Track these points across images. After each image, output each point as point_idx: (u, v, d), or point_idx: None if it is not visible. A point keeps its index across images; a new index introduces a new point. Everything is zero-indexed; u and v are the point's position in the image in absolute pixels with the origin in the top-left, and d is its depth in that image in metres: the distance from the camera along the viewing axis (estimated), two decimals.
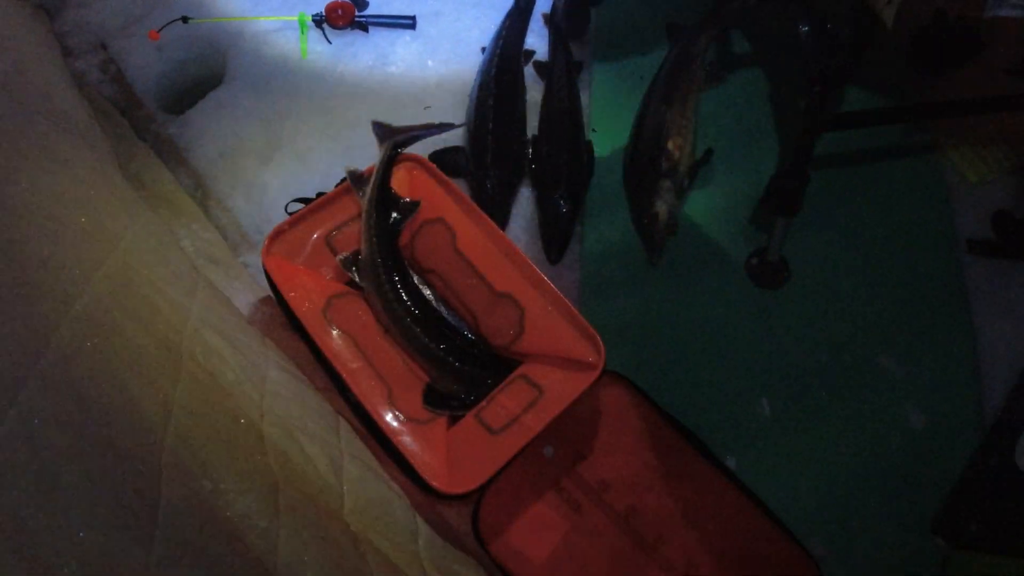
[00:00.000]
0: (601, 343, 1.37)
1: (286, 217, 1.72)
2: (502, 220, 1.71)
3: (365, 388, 1.41)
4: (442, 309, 1.48)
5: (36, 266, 1.15)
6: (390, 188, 1.55)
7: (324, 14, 1.96)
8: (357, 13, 1.98)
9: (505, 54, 1.86)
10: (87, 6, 2.15)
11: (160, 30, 2.02)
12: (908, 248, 1.69)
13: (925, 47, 1.79)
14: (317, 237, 1.57)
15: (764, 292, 1.66)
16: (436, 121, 1.71)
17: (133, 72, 2.06)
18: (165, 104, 2.06)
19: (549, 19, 2.01)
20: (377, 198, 1.52)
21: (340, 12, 1.96)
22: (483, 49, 1.95)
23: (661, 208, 1.63)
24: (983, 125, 1.80)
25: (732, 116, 1.88)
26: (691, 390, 1.56)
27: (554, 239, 1.68)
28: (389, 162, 1.56)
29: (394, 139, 1.59)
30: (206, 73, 2.10)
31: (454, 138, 1.81)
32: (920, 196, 1.76)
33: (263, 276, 1.57)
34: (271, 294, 1.58)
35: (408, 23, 2.00)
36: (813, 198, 1.56)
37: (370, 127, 1.67)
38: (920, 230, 1.71)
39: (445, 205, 1.56)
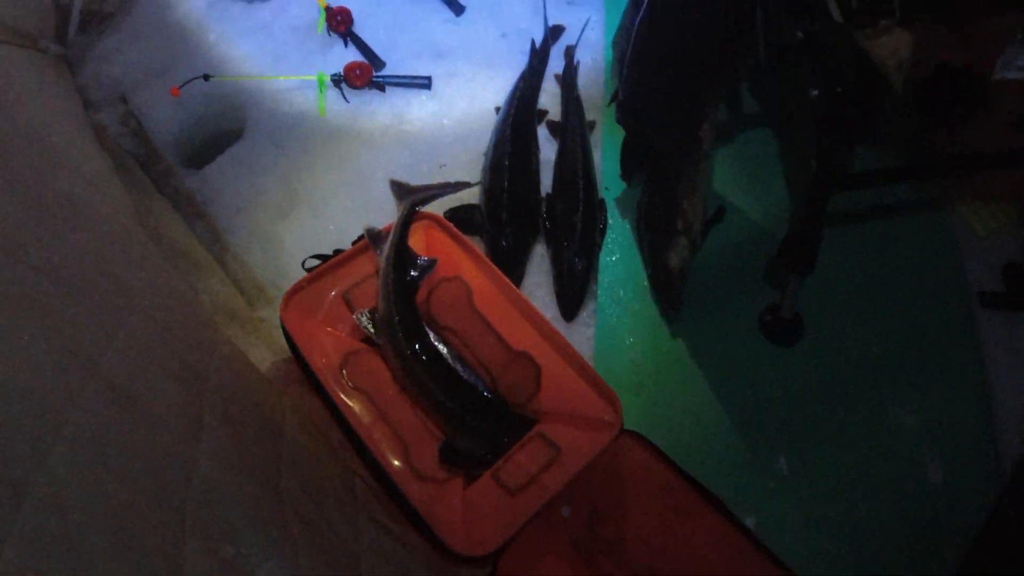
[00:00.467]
0: (619, 402, 1.37)
1: (303, 273, 1.74)
2: (517, 277, 1.73)
3: (381, 446, 1.41)
4: (459, 367, 1.49)
5: (64, 325, 1.17)
6: (407, 246, 1.57)
7: (343, 74, 2.02)
8: (375, 73, 2.03)
9: (519, 113, 1.90)
10: (108, 60, 2.21)
11: (181, 87, 2.07)
12: (921, 302, 1.71)
13: (932, 97, 1.83)
14: (335, 294, 1.59)
15: (779, 348, 1.67)
16: (452, 180, 1.74)
17: (153, 126, 2.10)
18: (184, 158, 2.10)
19: (561, 79, 2.06)
20: (395, 256, 1.54)
21: (358, 72, 2.01)
22: (497, 109, 2.00)
23: (676, 266, 1.65)
24: (991, 179, 1.83)
25: (745, 173, 1.92)
26: (708, 448, 1.55)
27: (569, 296, 1.70)
28: (407, 221, 1.59)
29: (412, 198, 1.62)
30: (225, 128, 2.15)
31: (469, 196, 1.83)
32: (931, 250, 1.79)
33: (280, 331, 1.58)
34: (288, 350, 1.59)
35: (424, 83, 2.05)
36: (825, 253, 1.58)
37: (387, 185, 1.70)
38: (932, 283, 1.73)
39: (462, 263, 1.59)
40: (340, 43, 2.17)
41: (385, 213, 1.77)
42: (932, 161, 1.84)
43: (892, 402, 1.59)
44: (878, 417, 1.57)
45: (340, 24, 2.14)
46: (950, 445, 1.53)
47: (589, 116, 2.01)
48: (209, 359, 1.49)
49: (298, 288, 1.56)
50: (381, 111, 2.04)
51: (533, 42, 2.10)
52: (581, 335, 1.69)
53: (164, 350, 1.41)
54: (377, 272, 1.58)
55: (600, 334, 1.70)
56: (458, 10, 2.24)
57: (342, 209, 1.88)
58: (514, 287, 1.53)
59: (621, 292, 1.75)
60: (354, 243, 1.70)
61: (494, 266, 1.56)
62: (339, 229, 1.82)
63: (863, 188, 1.70)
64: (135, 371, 1.19)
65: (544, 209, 1.82)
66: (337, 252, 1.70)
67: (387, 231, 1.59)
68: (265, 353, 1.68)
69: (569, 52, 2.10)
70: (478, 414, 1.44)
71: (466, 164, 1.92)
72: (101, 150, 1.94)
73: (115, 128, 2.10)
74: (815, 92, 1.59)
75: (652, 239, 1.72)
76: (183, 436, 1.10)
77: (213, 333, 1.61)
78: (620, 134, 1.84)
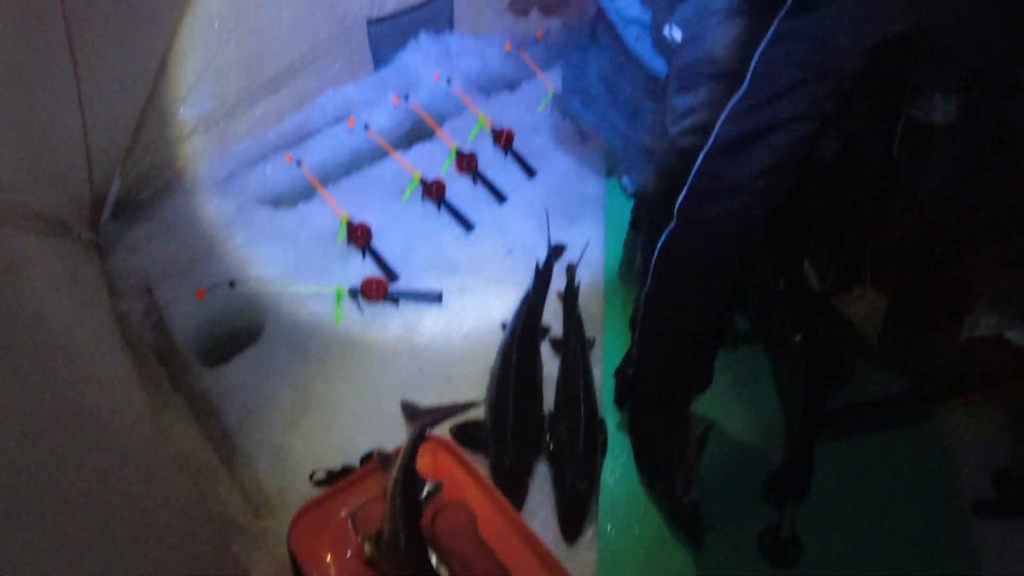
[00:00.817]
0: None
1: (309, 483, 1.79)
2: (520, 498, 1.77)
3: None
4: None
5: (85, 561, 1.20)
6: (416, 471, 1.63)
7: (359, 288, 2.16)
8: (389, 288, 2.18)
9: (524, 332, 2.02)
10: (138, 250, 2.34)
11: (208, 290, 2.19)
12: (916, 514, 1.74)
13: (903, 312, 1.94)
14: (342, 516, 1.63)
15: (780, 571, 1.69)
16: (460, 396, 1.83)
17: (175, 320, 2.19)
18: (202, 354, 2.17)
19: (563, 298, 2.21)
20: (403, 480, 1.59)
21: (374, 287, 2.16)
22: (504, 325, 2.13)
23: (687, 496, 1.70)
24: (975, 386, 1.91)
25: (738, 392, 2.01)
26: None
27: (570, 518, 1.74)
28: (416, 445, 1.65)
29: (421, 421, 1.70)
30: (244, 328, 2.24)
31: (474, 412, 1.91)
32: (922, 460, 1.84)
33: (283, 544, 1.61)
34: (291, 567, 1.61)
35: (435, 298, 2.20)
36: (818, 469, 1.63)
37: (396, 398, 1.79)
38: (926, 494, 1.77)
39: (467, 488, 1.65)
40: (358, 253, 2.34)
41: (392, 425, 1.84)
42: (915, 389, 1.93)
43: None
44: None
45: (360, 238, 2.32)
46: None
47: (589, 333, 2.13)
48: None
49: (306, 511, 1.60)
50: (393, 323, 2.16)
51: (537, 262, 2.27)
52: (583, 560, 1.71)
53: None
54: (384, 493, 1.63)
55: (602, 559, 1.72)
56: (468, 227, 2.43)
57: (352, 420, 1.94)
58: (517, 514, 1.58)
59: (622, 515, 1.79)
60: (362, 460, 1.77)
61: (498, 492, 1.62)
62: (348, 440, 1.87)
63: (850, 419, 1.79)
64: None
65: (547, 428, 1.90)
66: (345, 468, 1.76)
67: (396, 453, 1.66)
68: (268, 569, 1.69)
69: (571, 271, 2.27)
70: None
71: (473, 379, 2.02)
72: (123, 344, 2.02)
73: (138, 319, 2.18)
74: (797, 338, 1.73)
75: (650, 470, 1.78)
76: None
77: (220, 553, 1.63)
78: (621, 351, 1.95)
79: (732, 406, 1.99)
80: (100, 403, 1.67)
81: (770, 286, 1.75)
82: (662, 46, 1.91)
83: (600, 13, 2.17)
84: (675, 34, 1.59)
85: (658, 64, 1.98)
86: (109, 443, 1.55)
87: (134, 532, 1.37)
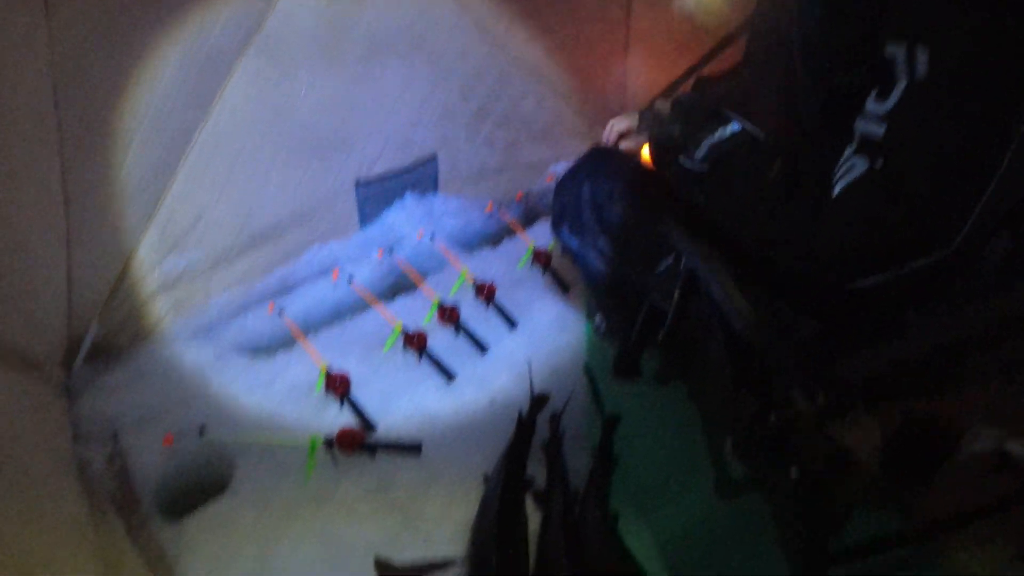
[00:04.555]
0: None
1: None
2: None
3: None
4: None
5: None
6: None
7: (335, 438, 2.08)
8: (366, 439, 2.11)
9: (507, 486, 1.93)
10: (108, 395, 2.26)
11: (176, 437, 2.10)
12: None
13: (899, 455, 1.89)
14: None
15: None
16: (438, 554, 1.71)
17: (138, 469, 2.08)
18: (163, 506, 2.04)
19: (546, 450, 2.14)
20: None
21: (350, 438, 2.08)
22: (486, 477, 2.04)
23: None
24: (982, 522, 1.83)
25: (729, 533, 1.95)
26: None
27: None
28: None
29: None
30: (210, 479, 2.12)
31: (453, 570, 1.78)
32: None
33: None
34: None
35: (414, 449, 2.12)
36: None
37: (369, 555, 1.67)
38: None
39: None
40: (335, 403, 2.28)
41: None
42: (923, 524, 1.86)
43: None
44: None
45: (338, 387, 2.27)
46: None
47: (575, 484, 2.05)
48: None
49: None
50: (367, 476, 2.05)
51: (520, 412, 2.22)
52: None
53: None
54: None
55: None
56: (449, 378, 2.40)
57: None
58: None
59: None
60: None
61: None
62: None
63: (855, 560, 1.71)
64: None
65: None
66: None
67: None
68: None
69: (554, 423, 2.21)
70: None
71: (453, 536, 1.89)
72: (80, 491, 1.90)
73: (99, 466, 2.07)
74: (795, 472, 1.66)
75: None
76: None
77: None
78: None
79: (730, 557, 1.89)
80: (49, 544, 1.55)
81: (757, 425, 1.71)
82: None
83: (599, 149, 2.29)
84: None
85: None
86: None
87: None
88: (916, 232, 1.30)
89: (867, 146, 1.33)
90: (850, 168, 1.35)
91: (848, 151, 1.37)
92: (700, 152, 1.75)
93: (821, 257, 1.47)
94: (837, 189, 1.37)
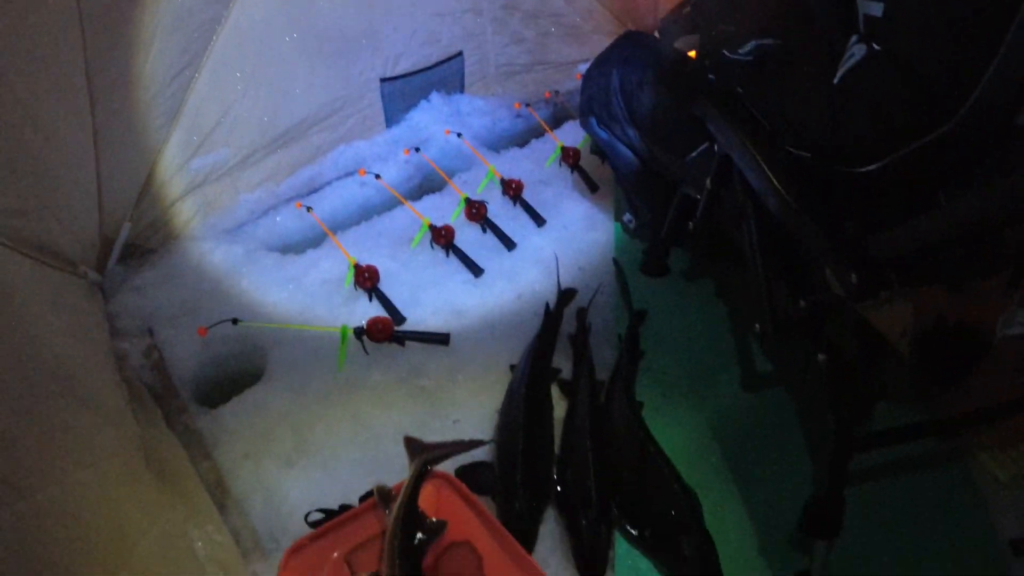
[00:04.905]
0: None
1: (304, 527, 1.68)
2: (530, 545, 1.66)
3: None
4: None
5: (60, 572, 1.12)
6: (417, 507, 1.53)
7: (365, 327, 2.11)
8: (395, 329, 2.13)
9: (534, 374, 1.95)
10: (141, 292, 2.33)
11: (209, 328, 2.15)
12: (952, 555, 1.67)
13: (932, 353, 1.87)
14: (337, 556, 1.52)
15: None
16: (466, 438, 1.75)
17: (174, 361, 2.15)
18: (200, 396, 2.12)
19: (573, 341, 2.15)
20: (403, 517, 1.50)
21: (380, 327, 2.10)
22: (512, 367, 2.06)
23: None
24: (1007, 425, 1.84)
25: (761, 436, 1.94)
26: None
27: (592, 567, 1.62)
28: (418, 480, 1.57)
29: (425, 456, 1.62)
30: (245, 369, 2.19)
31: (481, 453, 1.82)
32: (956, 501, 1.77)
33: None
34: None
35: (442, 340, 2.14)
36: (848, 511, 1.56)
37: (399, 442, 1.70)
38: (961, 535, 1.70)
39: (472, 528, 1.54)
40: (364, 297, 2.30)
41: (394, 471, 1.75)
42: (952, 416, 1.86)
43: None
44: None
45: (367, 281, 2.28)
46: None
47: (600, 375, 2.06)
48: None
49: (299, 547, 1.50)
50: (398, 365, 2.09)
51: (547, 304, 2.22)
52: None
53: None
54: (383, 532, 1.52)
55: None
56: (477, 272, 2.40)
57: (351, 464, 1.85)
58: (529, 557, 1.47)
59: (640, 562, 1.68)
60: (361, 499, 1.67)
61: (507, 532, 1.51)
62: (346, 485, 1.77)
63: (882, 447, 1.71)
64: None
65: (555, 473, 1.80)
66: (344, 508, 1.66)
67: (397, 490, 1.56)
68: None
69: (582, 314, 2.22)
70: None
71: (480, 421, 1.94)
72: (119, 380, 1.97)
73: (137, 359, 2.15)
74: (822, 357, 1.65)
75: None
76: None
77: None
78: None
79: (758, 452, 1.90)
80: (88, 425, 1.61)
81: (787, 309, 1.69)
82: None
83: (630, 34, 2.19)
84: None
85: None
86: (95, 459, 1.48)
87: (113, 553, 1.28)
88: (915, 110, 1.29)
89: (868, 28, 1.33)
90: (851, 56, 1.36)
91: (852, 40, 1.37)
92: (746, 47, 1.69)
93: (831, 143, 1.47)
94: (838, 76, 1.38)
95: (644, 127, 2.12)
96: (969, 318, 1.78)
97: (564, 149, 2.86)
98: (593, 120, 2.33)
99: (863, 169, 1.41)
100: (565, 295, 2.28)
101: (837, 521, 1.55)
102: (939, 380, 1.91)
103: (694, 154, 1.95)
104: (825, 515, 1.57)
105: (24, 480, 1.17)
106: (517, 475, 1.73)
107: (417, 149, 2.89)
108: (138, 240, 2.49)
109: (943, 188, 1.43)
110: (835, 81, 1.40)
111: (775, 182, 1.58)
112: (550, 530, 1.72)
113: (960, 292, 1.72)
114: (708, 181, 1.90)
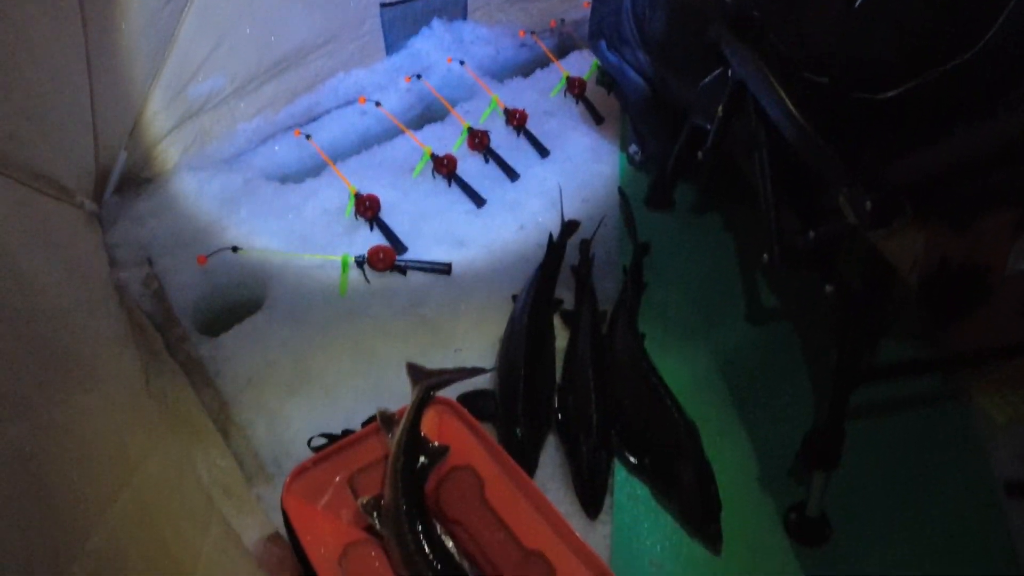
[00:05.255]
0: None
1: (307, 452, 1.70)
2: (530, 469, 1.67)
3: None
4: (466, 565, 1.40)
5: (62, 489, 1.12)
6: (420, 432, 1.54)
7: (366, 256, 2.08)
8: (397, 258, 2.10)
9: (536, 303, 1.94)
10: (140, 222, 2.29)
11: (209, 256, 2.13)
12: (947, 495, 1.69)
13: (937, 292, 1.87)
14: (340, 479, 1.53)
15: (806, 550, 1.60)
16: (468, 365, 1.74)
17: (174, 290, 2.13)
18: (201, 325, 2.10)
19: (576, 272, 2.13)
20: (406, 441, 1.50)
21: (381, 256, 2.08)
22: (514, 297, 2.05)
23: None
24: (1006, 367, 1.85)
25: (765, 367, 1.94)
26: None
27: (592, 492, 1.64)
28: (421, 405, 1.56)
29: (427, 382, 1.61)
30: (245, 299, 2.18)
31: (483, 382, 1.83)
32: (953, 441, 1.79)
33: (276, 511, 1.51)
34: (283, 532, 1.51)
35: (444, 269, 2.12)
36: (847, 448, 1.57)
37: (401, 370, 1.70)
38: (957, 475, 1.72)
39: (475, 452, 1.54)
40: (365, 226, 2.27)
41: (396, 398, 1.73)
42: (953, 354, 1.85)
43: None
44: None
45: (368, 210, 2.25)
46: None
47: (602, 306, 2.05)
48: (201, 541, 1.41)
49: (302, 470, 1.50)
50: (400, 294, 2.08)
51: (551, 235, 2.20)
52: (597, 533, 1.61)
53: (159, 524, 1.34)
54: (386, 457, 1.53)
55: (618, 533, 1.62)
56: (479, 202, 2.36)
57: (353, 390, 1.86)
58: (530, 481, 1.48)
59: (639, 489, 1.69)
60: (364, 424, 1.67)
61: (509, 457, 1.52)
62: (348, 410, 1.78)
63: (884, 380, 1.71)
64: (127, 543, 1.14)
65: (556, 401, 1.80)
66: (347, 433, 1.67)
67: (400, 415, 1.57)
68: (259, 535, 1.59)
69: (585, 245, 2.19)
70: None
71: (482, 350, 1.94)
72: (120, 309, 1.95)
73: (136, 288, 2.13)
74: (830, 288, 1.63)
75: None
76: None
77: (207, 512, 1.54)
78: None
79: (761, 384, 1.91)
80: (89, 353, 1.60)
81: (796, 240, 1.66)
82: None
83: None
84: None
85: None
86: (96, 384, 1.47)
87: (115, 473, 1.28)
88: (938, 35, 1.24)
89: None
90: None
91: None
92: None
93: (850, 68, 1.42)
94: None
95: (655, 51, 2.05)
96: (977, 257, 1.77)
97: (569, 79, 2.79)
98: (603, 43, 2.25)
99: (882, 95, 1.37)
100: (568, 226, 2.24)
101: (836, 453, 1.55)
102: (943, 316, 1.90)
103: (707, 80, 1.89)
104: (824, 447, 1.57)
105: (25, 399, 1.16)
106: (519, 402, 1.73)
107: (419, 76, 2.81)
108: (135, 170, 2.44)
109: (962, 120, 1.39)
110: (856, 3, 1.34)
111: (792, 108, 1.53)
112: (551, 457, 1.74)
113: (970, 231, 1.70)
114: (720, 108, 1.85)
